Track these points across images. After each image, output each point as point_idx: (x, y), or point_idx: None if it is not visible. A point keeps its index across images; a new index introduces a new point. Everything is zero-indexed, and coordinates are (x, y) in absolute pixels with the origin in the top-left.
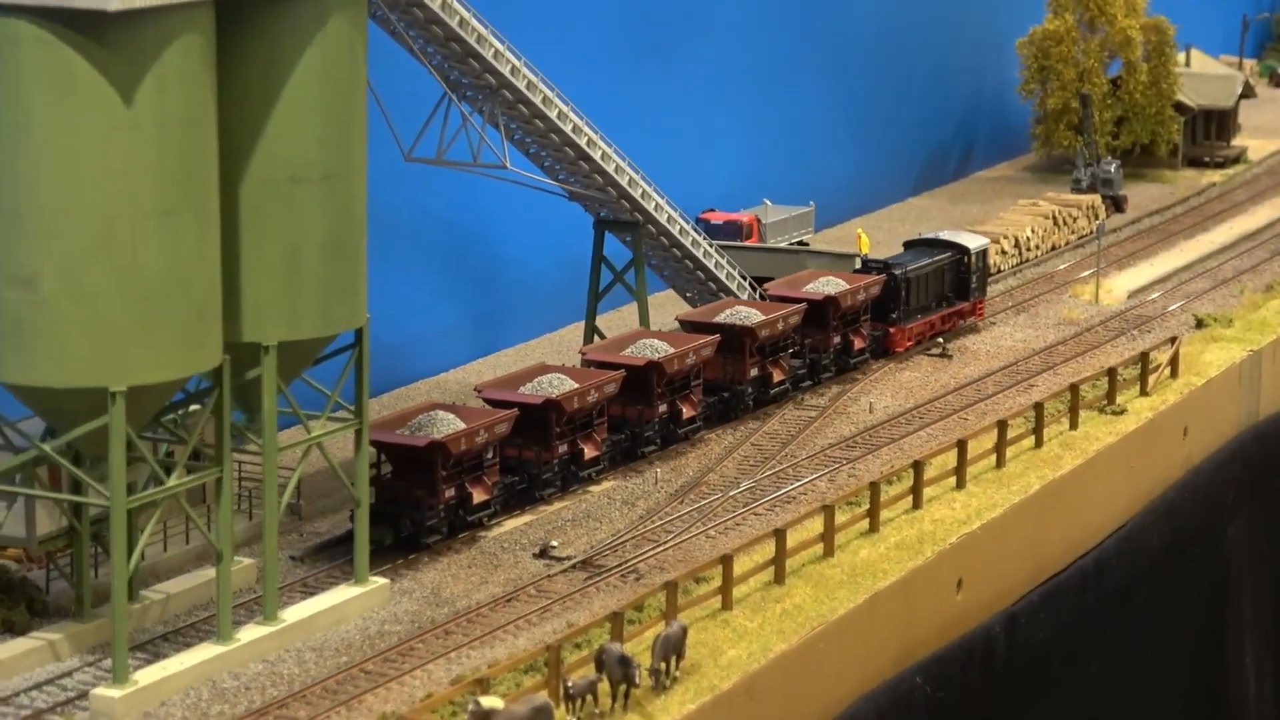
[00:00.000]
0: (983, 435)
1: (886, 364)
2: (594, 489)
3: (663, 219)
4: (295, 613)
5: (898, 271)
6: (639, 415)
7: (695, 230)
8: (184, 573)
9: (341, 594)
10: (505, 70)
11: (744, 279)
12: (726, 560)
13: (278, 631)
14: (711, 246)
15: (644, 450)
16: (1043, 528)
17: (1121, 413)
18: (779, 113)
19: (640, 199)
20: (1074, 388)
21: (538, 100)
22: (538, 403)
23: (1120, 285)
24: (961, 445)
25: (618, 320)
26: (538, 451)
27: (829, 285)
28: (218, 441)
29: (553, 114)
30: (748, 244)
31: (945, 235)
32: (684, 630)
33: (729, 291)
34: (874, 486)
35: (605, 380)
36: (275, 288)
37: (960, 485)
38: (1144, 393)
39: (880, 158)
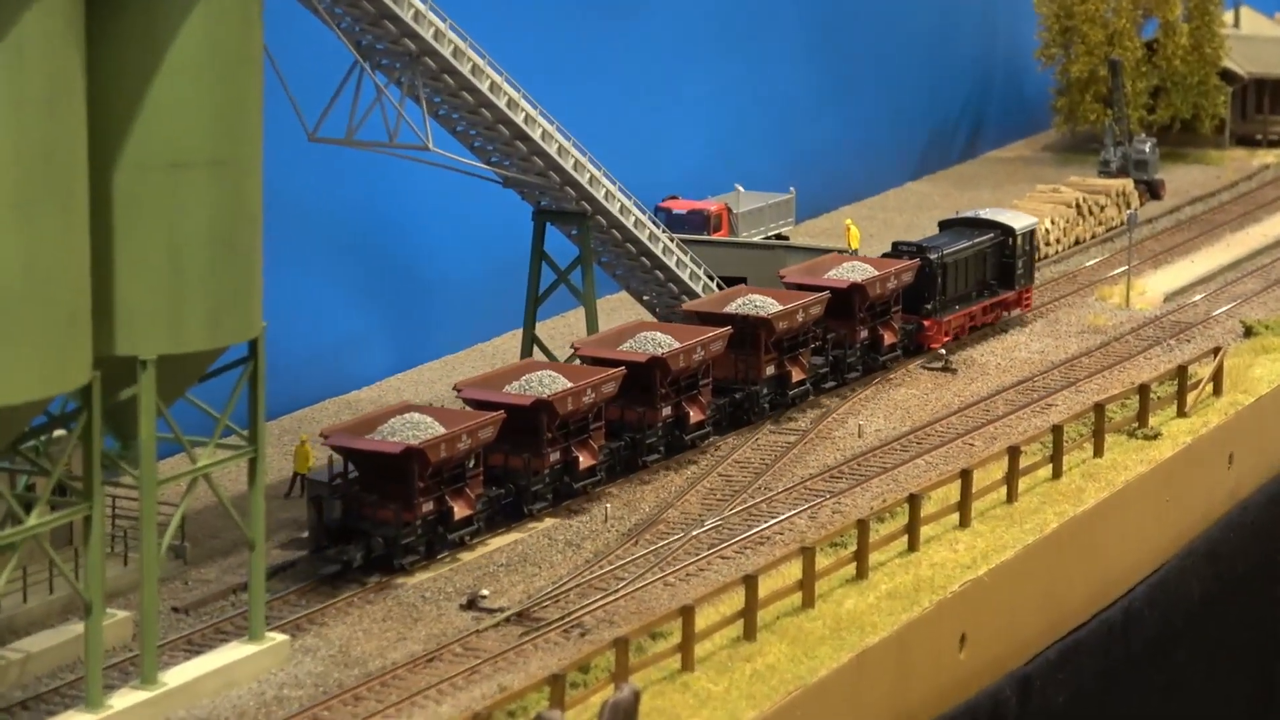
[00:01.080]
0: (991, 464)
1: (878, 379)
2: (535, 526)
3: (614, 209)
4: (178, 675)
5: (933, 255)
6: (640, 419)
7: (653, 222)
8: (47, 627)
9: (233, 653)
10: (427, 34)
11: (711, 280)
12: (687, 612)
13: (157, 697)
14: (673, 241)
15: (646, 459)
16: (1061, 574)
17: (1155, 437)
18: (755, 81)
19: (588, 185)
20: (1099, 408)
21: (466, 70)
22: (527, 404)
23: (1155, 286)
24: (966, 476)
25: (562, 327)
26: (527, 460)
27: (854, 271)
28: (86, 473)
29: (484, 86)
30: (716, 238)
31: (986, 214)
32: (636, 695)
33: (692, 293)
34: (862, 525)
35: (603, 379)
36: (154, 293)
37: (964, 523)
38: (1182, 413)
39: (874, 135)
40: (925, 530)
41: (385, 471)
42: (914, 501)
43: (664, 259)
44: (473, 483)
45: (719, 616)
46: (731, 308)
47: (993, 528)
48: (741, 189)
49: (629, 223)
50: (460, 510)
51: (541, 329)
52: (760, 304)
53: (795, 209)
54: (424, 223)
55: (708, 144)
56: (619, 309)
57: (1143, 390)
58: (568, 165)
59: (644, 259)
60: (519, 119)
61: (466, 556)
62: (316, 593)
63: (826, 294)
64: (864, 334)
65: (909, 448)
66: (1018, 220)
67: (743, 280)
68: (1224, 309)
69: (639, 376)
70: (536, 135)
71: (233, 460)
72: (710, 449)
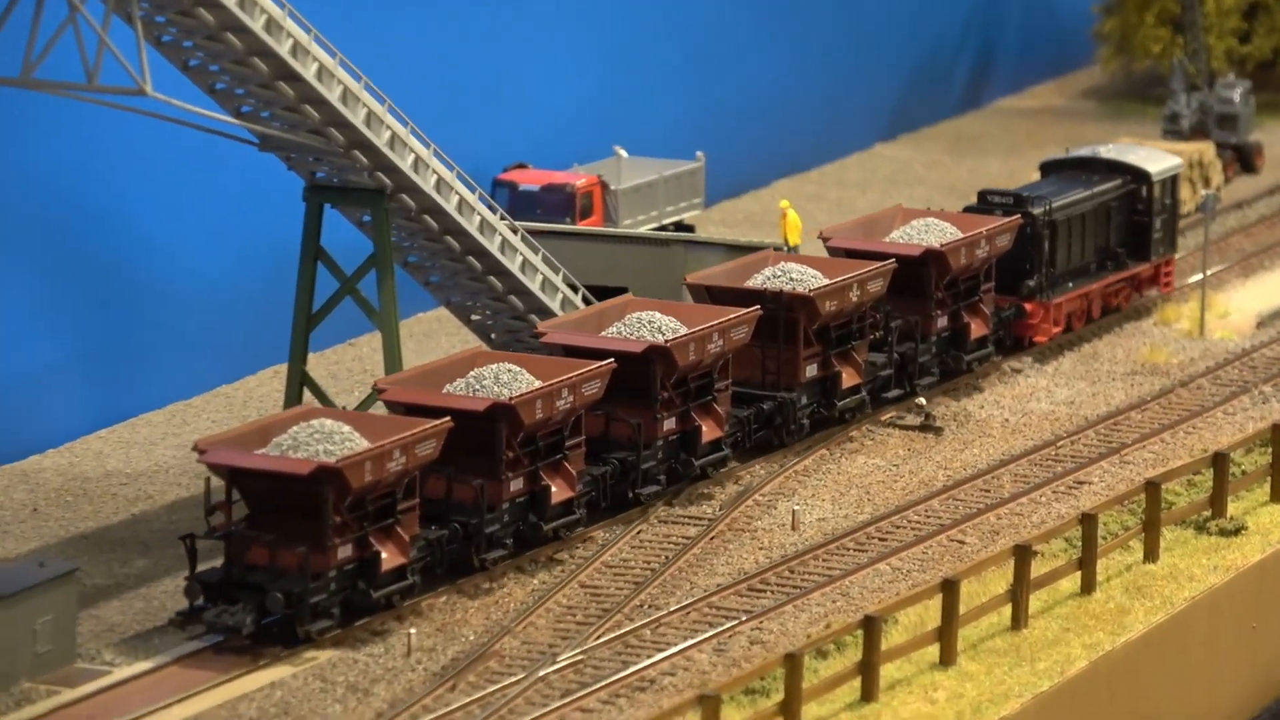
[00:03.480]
0: (989, 572)
1: (826, 438)
2: (313, 657)
3: (428, 184)
4: None
5: (1038, 210)
6: (633, 434)
7: (489, 205)
8: None
9: None
10: None
11: (575, 291)
12: None
13: None
14: (518, 234)
15: (641, 492)
16: None
17: (1238, 532)
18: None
19: (388, 149)
20: (1153, 488)
21: None
22: (481, 409)
23: (1245, 305)
24: (950, 589)
25: (349, 361)
26: (479, 488)
27: (929, 232)
28: None
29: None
30: (584, 227)
31: (1108, 152)
32: None
33: (546, 311)
34: (793, 662)
35: (585, 375)
36: None
37: (947, 660)
38: (1278, 498)
39: (826, 75)
40: (888, 670)
41: (287, 501)
42: (871, 627)
43: (503, 259)
44: (406, 520)
45: None
46: (757, 281)
47: (990, 667)
48: (624, 154)
49: (450, 205)
50: (390, 557)
51: (317, 362)
52: (799, 276)
53: (705, 184)
54: (140, 204)
55: (574, 89)
56: (435, 333)
57: (1220, 462)
58: (358, 119)
59: (472, 260)
60: (283, 48)
61: (195, 707)
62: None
63: (892, 263)
64: (943, 322)
65: (867, 546)
66: (1154, 161)
67: (622, 290)
68: None
69: (632, 374)
70: (310, 72)
71: None
72: (576, 542)
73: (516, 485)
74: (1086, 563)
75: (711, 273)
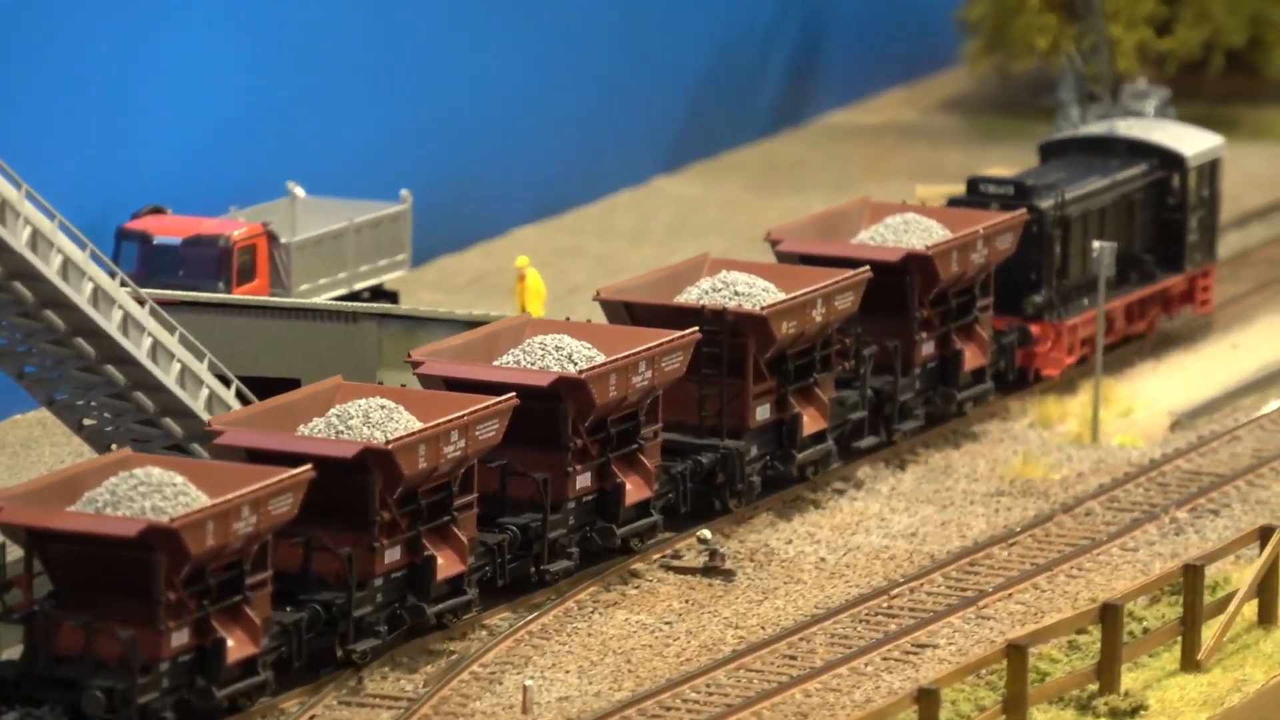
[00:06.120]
0: None
1: (585, 579)
2: None
3: (18, 240)
4: None
5: (1047, 203)
6: (536, 491)
7: (106, 267)
8: None
9: None
10: None
11: (228, 385)
12: None
13: None
14: (146, 306)
15: (548, 569)
16: None
17: (1134, 713)
18: None
19: None
20: (1018, 652)
21: None
22: (350, 455)
23: (1154, 398)
24: None
25: None
26: (348, 558)
27: (908, 232)
28: None
29: None
30: (243, 295)
31: (1128, 129)
32: None
33: (186, 413)
34: None
35: (479, 414)
36: None
37: None
38: (1191, 665)
39: (586, 83)
40: None
41: (105, 573)
42: None
43: (125, 343)
44: (257, 598)
45: None
46: (692, 296)
47: None
48: (301, 193)
49: (50, 268)
50: (238, 646)
51: None
52: (746, 290)
53: (412, 234)
54: None
55: (229, 102)
56: (38, 441)
57: (1111, 616)
58: None
59: (83, 343)
60: None
61: None
62: None
63: (866, 272)
64: (929, 348)
65: None
66: (1189, 141)
67: (295, 383)
68: None
69: (534, 415)
70: None
71: None
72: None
73: (393, 555)
74: None
75: (632, 284)
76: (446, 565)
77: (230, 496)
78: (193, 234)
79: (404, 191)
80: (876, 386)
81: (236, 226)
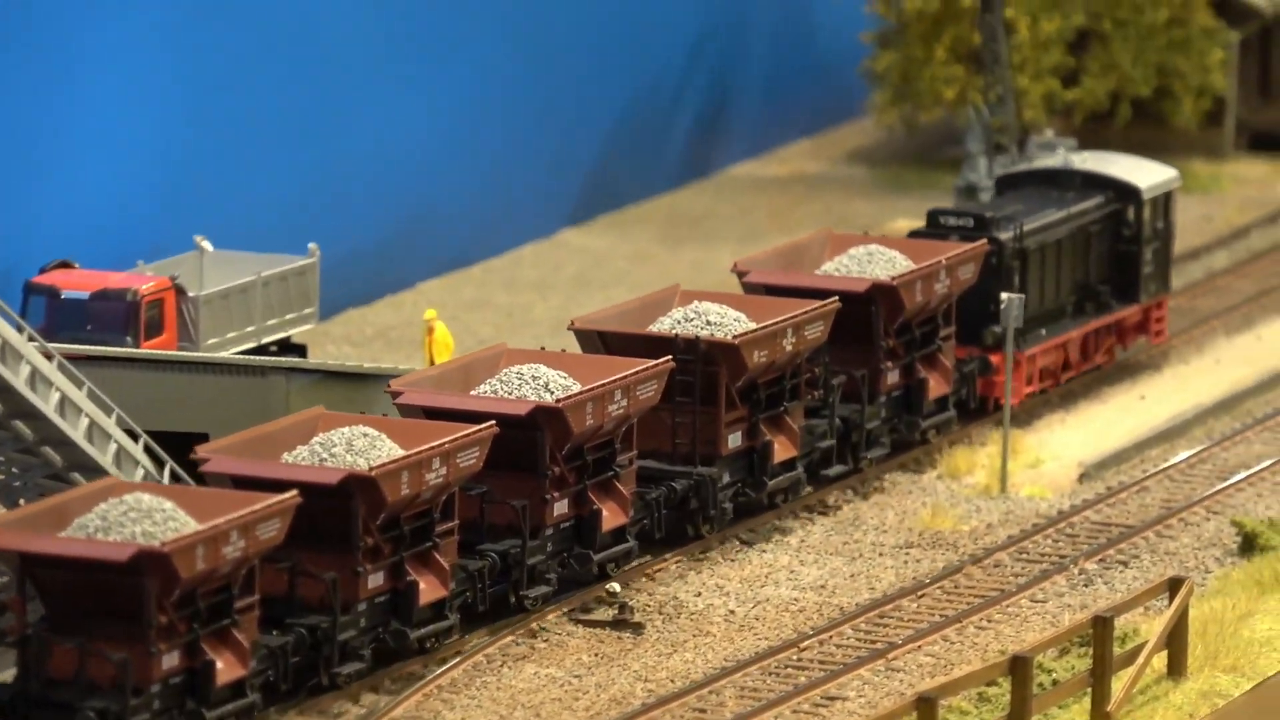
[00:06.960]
0: None
1: (502, 628)
2: None
3: None
4: None
5: (1006, 234)
6: (515, 517)
7: (13, 321)
8: None
9: None
10: None
11: (135, 439)
12: None
13: None
14: (53, 360)
15: (527, 595)
16: None
17: None
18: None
19: None
20: (927, 704)
21: None
22: (334, 482)
23: (1062, 449)
24: None
25: None
26: (331, 584)
27: (872, 262)
28: None
29: None
30: (150, 350)
31: (1082, 161)
32: None
33: (94, 469)
34: None
35: (460, 442)
36: None
37: None
38: (1101, 717)
39: (492, 134)
40: None
41: (95, 597)
42: None
43: (32, 398)
44: (244, 621)
45: None
46: (664, 325)
47: None
48: (208, 247)
49: None
50: (227, 668)
51: None
52: (718, 319)
53: (319, 288)
54: None
55: (134, 153)
56: None
57: (1021, 668)
58: None
59: None
60: None
61: None
62: None
63: (835, 303)
64: (894, 377)
65: None
66: (1143, 174)
67: (203, 438)
68: (1205, 495)
69: (512, 443)
70: None
71: None
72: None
73: (376, 581)
74: None
75: (605, 314)
76: (429, 590)
77: (219, 521)
78: (100, 288)
79: (312, 245)
80: (844, 415)
81: (144, 281)
